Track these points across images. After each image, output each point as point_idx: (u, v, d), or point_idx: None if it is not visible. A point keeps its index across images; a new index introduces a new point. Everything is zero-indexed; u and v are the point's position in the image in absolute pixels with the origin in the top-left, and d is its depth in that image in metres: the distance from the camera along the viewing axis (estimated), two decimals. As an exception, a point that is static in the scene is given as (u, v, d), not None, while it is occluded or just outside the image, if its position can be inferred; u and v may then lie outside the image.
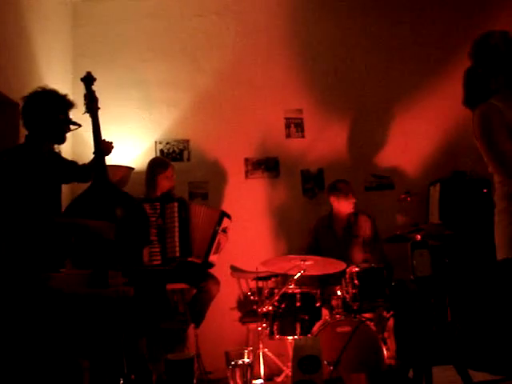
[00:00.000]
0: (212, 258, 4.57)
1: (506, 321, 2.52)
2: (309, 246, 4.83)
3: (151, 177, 4.69)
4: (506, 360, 3.69)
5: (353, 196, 4.76)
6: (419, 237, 4.48)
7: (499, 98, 2.57)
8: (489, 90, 2.64)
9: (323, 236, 4.85)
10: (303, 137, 5.54)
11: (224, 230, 4.64)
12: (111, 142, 3.53)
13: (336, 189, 4.78)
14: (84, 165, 3.56)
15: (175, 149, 5.36)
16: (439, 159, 5.47)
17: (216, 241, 4.59)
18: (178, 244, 4.43)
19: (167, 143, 5.37)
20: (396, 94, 5.65)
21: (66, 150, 4.49)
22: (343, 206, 4.77)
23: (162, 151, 5.35)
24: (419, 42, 5.74)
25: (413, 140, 5.55)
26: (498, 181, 2.61)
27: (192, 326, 4.43)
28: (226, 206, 5.07)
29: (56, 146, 3.45)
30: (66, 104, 3.28)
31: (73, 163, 3.58)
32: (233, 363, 4.02)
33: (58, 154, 3.59)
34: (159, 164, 4.77)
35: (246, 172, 5.42)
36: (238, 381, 3.73)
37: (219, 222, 4.62)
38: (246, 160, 5.43)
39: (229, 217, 4.71)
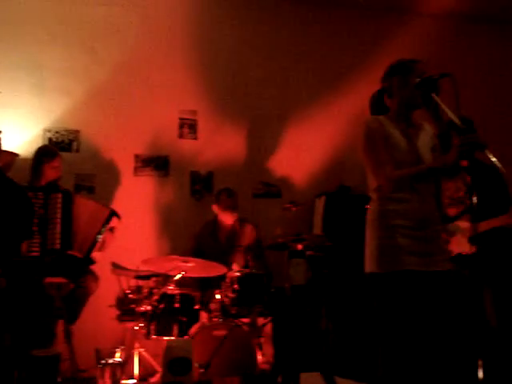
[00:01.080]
0: (94, 254, 4.49)
1: (370, 330, 2.70)
2: (192, 251, 4.85)
3: (37, 165, 4.52)
4: (369, 368, 3.92)
5: (234, 210, 4.78)
6: (300, 246, 4.66)
7: (388, 116, 2.79)
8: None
9: (207, 242, 4.88)
10: (196, 138, 5.56)
11: (111, 229, 4.57)
12: None
13: (219, 200, 4.83)
14: None
15: (64, 139, 5.20)
16: (327, 173, 5.69)
17: (102, 238, 4.51)
18: (58, 236, 4.30)
19: (56, 132, 5.19)
20: (292, 106, 5.81)
21: None
22: (223, 217, 4.82)
23: (50, 140, 5.16)
24: (318, 56, 5.94)
25: (304, 152, 5.72)
26: (372, 198, 2.80)
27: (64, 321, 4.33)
28: (112, 201, 5.01)
29: None
30: None
31: None
32: (103, 362, 3.99)
33: None
34: (47, 153, 4.60)
35: (135, 168, 5.36)
36: (107, 380, 3.71)
37: (107, 220, 4.54)
38: (136, 156, 5.37)
39: (118, 216, 4.64)
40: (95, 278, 4.53)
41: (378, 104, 2.88)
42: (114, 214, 4.62)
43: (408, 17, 6.13)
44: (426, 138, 2.79)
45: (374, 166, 2.73)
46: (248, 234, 4.88)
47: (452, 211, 4.01)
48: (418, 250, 2.62)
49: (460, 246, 3.83)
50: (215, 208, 4.84)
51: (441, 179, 2.85)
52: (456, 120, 2.45)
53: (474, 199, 2.48)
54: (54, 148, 4.87)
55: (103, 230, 4.52)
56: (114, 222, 4.60)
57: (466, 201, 3.93)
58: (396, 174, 2.64)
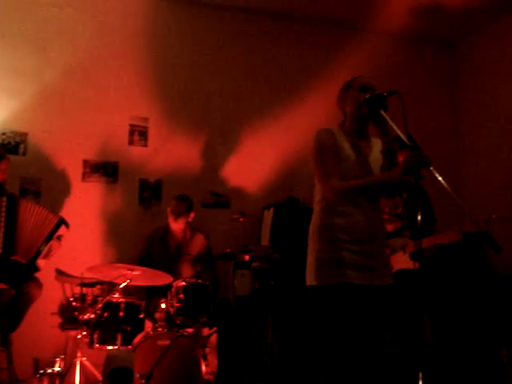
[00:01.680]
0: (39, 261, 4.40)
1: (314, 341, 2.72)
2: (141, 255, 4.80)
3: None
4: (313, 379, 3.96)
5: (180, 216, 4.71)
6: (247, 257, 4.67)
7: (341, 128, 2.85)
8: None
9: (156, 247, 4.84)
10: (146, 146, 5.52)
11: (59, 237, 4.49)
12: None
13: (171, 205, 4.80)
14: None
15: (11, 141, 5.07)
16: (277, 184, 5.73)
17: (48, 246, 4.43)
18: (1, 241, 4.22)
19: (3, 134, 5.05)
20: (244, 117, 5.83)
21: None
22: (172, 223, 4.78)
23: (-5, 141, 5.05)
24: (271, 69, 5.99)
25: (254, 163, 5.75)
26: (315, 210, 2.83)
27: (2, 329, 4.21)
28: (58, 207, 4.91)
29: None
30: None
31: None
32: (41, 372, 3.90)
33: None
34: None
35: (84, 174, 5.27)
36: (45, 390, 3.63)
37: (56, 228, 4.47)
38: (85, 162, 5.29)
39: (67, 225, 4.57)
40: (38, 284, 4.42)
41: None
42: (62, 222, 4.55)
43: (361, 34, 6.28)
44: (378, 153, 2.83)
45: (321, 175, 2.76)
46: (198, 244, 4.86)
47: (390, 227, 4.10)
48: (360, 264, 2.64)
49: (399, 262, 3.90)
50: (168, 213, 4.81)
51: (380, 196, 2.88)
52: (403, 137, 2.51)
53: (419, 216, 2.53)
54: (1, 150, 4.76)
55: (50, 237, 4.44)
56: (62, 230, 4.53)
57: (405, 217, 4.02)
58: (341, 185, 2.68)
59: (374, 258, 2.70)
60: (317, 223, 2.78)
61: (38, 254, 4.38)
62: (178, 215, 4.71)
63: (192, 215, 4.81)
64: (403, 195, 4.05)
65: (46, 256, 4.45)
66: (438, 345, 3.87)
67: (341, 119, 2.92)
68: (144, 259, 4.71)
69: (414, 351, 3.65)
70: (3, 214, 4.27)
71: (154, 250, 4.83)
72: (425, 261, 3.85)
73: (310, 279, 2.73)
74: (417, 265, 3.84)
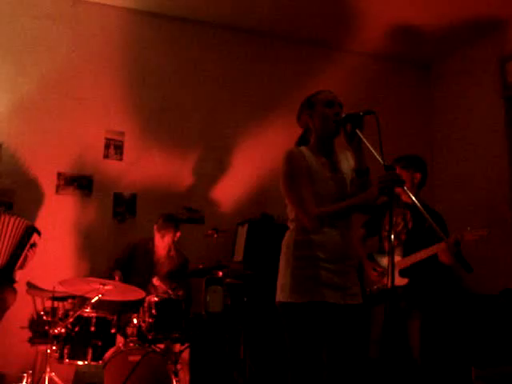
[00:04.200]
0: (16, 273, 4.40)
1: (284, 358, 2.72)
2: (121, 257, 4.83)
3: None
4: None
5: (165, 235, 4.74)
6: (220, 273, 4.67)
7: (309, 147, 2.83)
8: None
9: (140, 257, 4.84)
10: (121, 159, 5.51)
11: (32, 246, 4.47)
12: None
13: (158, 223, 4.79)
14: None
15: (-16, 151, 5.04)
16: (251, 201, 5.75)
17: (23, 255, 4.41)
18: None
19: (-23, 144, 5.03)
20: (219, 132, 5.86)
21: None
22: (159, 242, 4.79)
23: (-32, 151, 5.00)
24: (247, 85, 6.05)
25: (229, 178, 5.78)
26: (290, 227, 2.82)
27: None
28: (31, 219, 4.82)
29: None
30: None
31: None
32: (8, 388, 3.82)
33: None
34: None
35: (58, 186, 5.23)
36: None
37: (29, 236, 4.45)
38: (59, 174, 5.25)
39: (39, 233, 4.55)
40: (13, 290, 4.40)
41: (302, 143, 2.92)
42: (34, 229, 4.54)
43: (339, 53, 6.40)
44: (347, 167, 2.83)
45: (295, 202, 2.73)
46: (175, 258, 4.87)
47: (388, 245, 4.13)
48: (333, 283, 2.64)
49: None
50: (154, 227, 4.81)
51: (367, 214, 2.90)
52: (378, 156, 2.53)
53: (392, 235, 2.56)
54: None
55: (25, 245, 4.42)
56: (35, 237, 4.51)
57: (401, 235, 4.06)
58: (318, 213, 2.66)
59: (346, 276, 2.70)
60: (292, 239, 2.75)
61: (14, 263, 4.37)
62: (163, 234, 4.72)
63: (178, 234, 4.84)
64: (406, 213, 4.09)
65: (23, 266, 4.43)
66: (424, 361, 3.90)
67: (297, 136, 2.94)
68: (121, 261, 4.75)
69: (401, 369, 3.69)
70: None
71: (138, 259, 4.83)
72: (416, 277, 3.90)
73: (282, 296, 2.70)
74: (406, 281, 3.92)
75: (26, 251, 4.44)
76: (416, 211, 4.03)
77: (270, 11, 5.67)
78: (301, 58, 6.26)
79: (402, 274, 3.92)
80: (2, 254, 4.35)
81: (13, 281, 4.41)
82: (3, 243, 4.37)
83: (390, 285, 2.38)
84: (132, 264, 4.81)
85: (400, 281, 3.89)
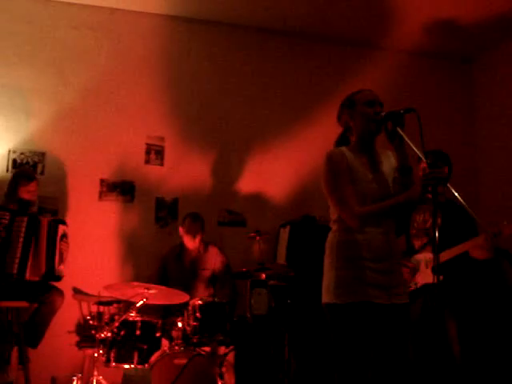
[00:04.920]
0: (59, 268, 4.45)
1: (330, 360, 2.70)
2: (157, 274, 4.85)
3: (13, 187, 4.55)
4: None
5: (195, 235, 4.77)
6: (264, 276, 4.67)
7: (350, 147, 2.80)
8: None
9: (172, 265, 4.88)
10: (162, 165, 5.56)
11: (63, 237, 4.53)
12: None
13: (184, 223, 4.83)
14: None
15: (29, 160, 5.13)
16: (292, 202, 5.72)
17: (57, 250, 4.47)
18: (17, 261, 4.27)
19: (21, 153, 5.13)
20: (258, 134, 5.84)
21: None
22: (186, 241, 4.82)
23: (14, 161, 5.10)
24: (285, 87, 6.02)
25: (270, 180, 5.77)
26: (332, 229, 2.80)
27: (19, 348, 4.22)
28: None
29: None
30: None
31: None
32: (60, 390, 3.89)
33: None
34: (24, 176, 4.63)
35: (101, 193, 5.31)
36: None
37: (55, 230, 4.50)
38: (102, 181, 5.33)
39: (63, 223, 4.61)
40: (60, 293, 4.48)
41: (342, 143, 2.90)
42: (57, 222, 4.58)
43: (375, 52, 6.31)
44: (388, 167, 2.81)
45: (337, 202, 2.71)
46: (213, 257, 4.89)
47: (417, 242, 4.08)
48: (378, 283, 2.61)
49: (425, 277, 3.88)
50: (180, 230, 4.83)
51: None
52: (420, 154, 2.50)
53: (436, 231, 2.52)
54: (32, 172, 4.87)
55: (54, 240, 4.47)
56: (61, 229, 4.55)
57: (431, 232, 3.99)
58: (361, 212, 2.64)
59: (392, 276, 2.67)
60: (336, 240, 2.74)
61: (52, 262, 4.42)
62: (194, 234, 4.74)
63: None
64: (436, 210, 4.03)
65: (61, 261, 4.49)
66: (465, 360, 3.82)
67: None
68: (159, 278, 4.78)
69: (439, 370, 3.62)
70: (22, 235, 4.33)
71: (170, 268, 4.88)
72: (448, 275, 3.83)
73: (327, 297, 2.68)
74: (440, 278, 3.85)
75: (58, 245, 4.48)
76: (445, 208, 3.96)
77: (305, 12, 5.64)
78: (338, 57, 6.22)
79: (435, 271, 3.84)
80: (42, 259, 4.41)
81: (58, 278, 4.48)
82: (41, 249, 4.42)
83: (434, 280, 2.34)
84: (167, 274, 4.85)
85: (433, 279, 3.81)
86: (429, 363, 2.99)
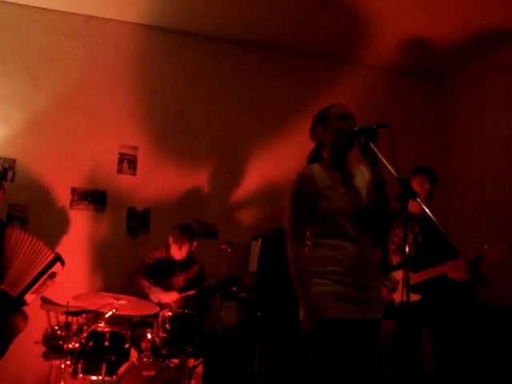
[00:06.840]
0: (28, 297, 4.33)
1: (302, 373, 2.69)
2: (141, 267, 4.83)
3: None
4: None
5: (183, 246, 4.75)
6: (235, 288, 4.65)
7: (321, 164, 2.81)
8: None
9: (163, 264, 4.85)
10: (135, 174, 5.52)
11: (52, 275, 4.44)
12: None
13: (173, 233, 4.80)
14: None
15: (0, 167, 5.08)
16: (265, 215, 5.72)
17: (41, 282, 4.37)
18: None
19: (-9, 159, 5.07)
20: (232, 146, 5.86)
21: None
22: (173, 251, 4.79)
23: (-16, 167, 5.04)
24: (260, 99, 6.05)
25: (242, 192, 5.78)
26: (306, 244, 2.79)
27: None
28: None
29: None
30: None
31: None
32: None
33: None
34: None
35: (72, 201, 5.25)
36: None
37: (51, 265, 4.42)
38: (73, 189, 5.27)
39: (62, 263, 4.52)
40: (24, 316, 4.34)
41: (315, 159, 2.91)
42: (58, 259, 4.50)
43: (350, 67, 6.39)
44: (362, 181, 2.81)
45: (289, 231, 2.75)
46: (194, 270, 4.89)
47: (395, 258, 4.09)
48: (352, 298, 2.59)
49: (400, 294, 3.90)
50: (169, 239, 4.81)
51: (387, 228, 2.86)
52: (392, 169, 2.51)
53: (406, 249, 2.53)
54: None
55: (44, 273, 4.38)
56: (57, 267, 4.47)
57: (411, 250, 4.02)
58: (297, 257, 2.67)
59: (365, 290, 2.64)
60: (308, 256, 2.71)
61: (28, 288, 4.32)
62: (181, 245, 4.73)
63: (195, 244, 4.87)
64: (414, 227, 4.06)
65: (37, 292, 4.39)
66: (438, 375, 3.85)
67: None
68: (141, 272, 4.78)
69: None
70: None
71: (162, 265, 4.84)
72: (426, 293, 3.87)
73: (303, 313, 2.62)
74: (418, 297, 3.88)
75: (44, 279, 4.39)
76: (425, 224, 4.00)
77: (281, 25, 5.69)
78: (313, 71, 6.26)
79: (414, 290, 3.86)
80: (16, 275, 4.29)
81: (24, 303, 4.35)
82: (19, 265, 4.31)
83: (405, 298, 2.35)
84: (160, 269, 4.84)
85: (411, 297, 3.82)
86: (403, 379, 3.00)
